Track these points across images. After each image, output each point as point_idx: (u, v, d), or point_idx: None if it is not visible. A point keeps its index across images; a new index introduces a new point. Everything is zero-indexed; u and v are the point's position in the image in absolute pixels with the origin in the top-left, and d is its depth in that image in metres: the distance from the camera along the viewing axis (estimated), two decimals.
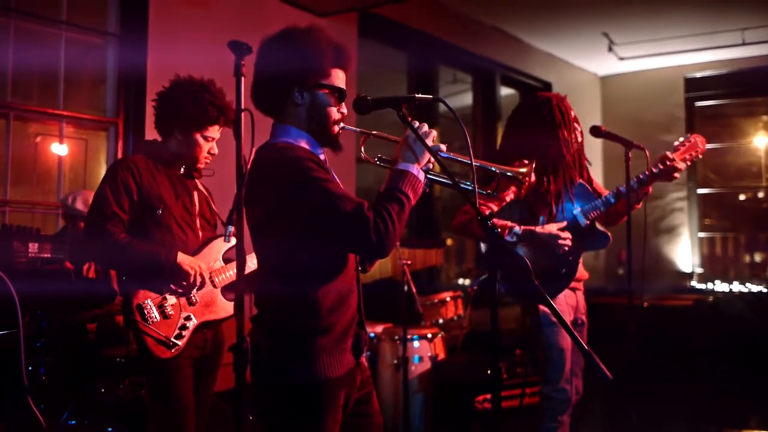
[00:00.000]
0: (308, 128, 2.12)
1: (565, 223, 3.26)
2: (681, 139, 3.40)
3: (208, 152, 2.97)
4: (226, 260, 2.99)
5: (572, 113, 3.39)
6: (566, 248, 3.21)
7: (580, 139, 3.43)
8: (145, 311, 2.76)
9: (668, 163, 3.23)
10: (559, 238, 3.20)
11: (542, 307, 3.24)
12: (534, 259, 3.23)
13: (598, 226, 3.37)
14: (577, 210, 3.31)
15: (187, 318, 2.85)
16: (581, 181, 3.40)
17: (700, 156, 3.37)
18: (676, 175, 3.26)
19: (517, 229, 3.20)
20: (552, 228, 3.22)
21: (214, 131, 2.96)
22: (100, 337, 3.80)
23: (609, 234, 3.34)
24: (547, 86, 8.48)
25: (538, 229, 3.23)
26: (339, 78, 2.14)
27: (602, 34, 7.88)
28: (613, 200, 3.28)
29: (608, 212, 3.37)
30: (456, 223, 3.34)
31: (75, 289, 3.28)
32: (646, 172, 3.24)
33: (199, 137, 2.92)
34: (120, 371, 3.47)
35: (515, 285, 3.18)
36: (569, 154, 3.36)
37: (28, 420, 2.83)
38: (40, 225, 4.41)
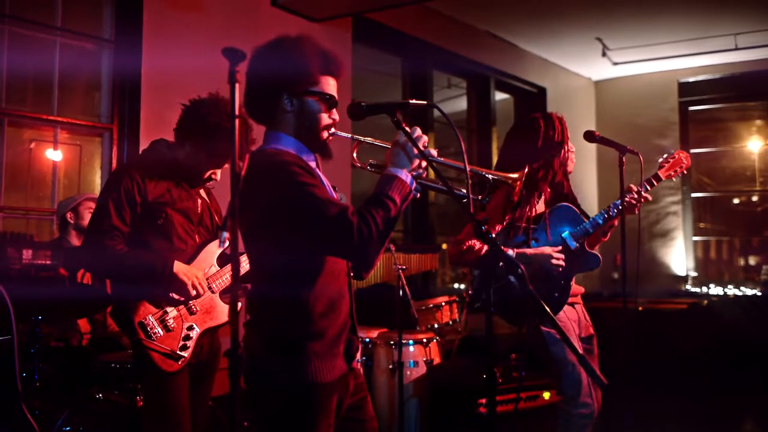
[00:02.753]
0: (298, 134, 2.14)
1: (560, 247, 3.26)
2: (665, 155, 3.45)
3: (210, 176, 2.94)
4: (221, 263, 2.98)
5: (567, 133, 3.40)
6: (560, 268, 3.21)
7: (573, 162, 3.45)
8: (148, 328, 2.73)
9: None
10: (552, 257, 3.20)
11: (544, 328, 3.24)
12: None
13: (587, 248, 3.39)
14: (566, 233, 3.31)
15: (190, 328, 2.83)
16: (568, 203, 3.40)
17: (685, 172, 3.45)
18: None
19: (510, 252, 3.21)
20: (545, 248, 3.24)
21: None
22: (94, 343, 3.79)
23: (599, 256, 3.34)
24: (542, 91, 8.51)
25: (531, 250, 3.24)
26: (329, 85, 2.14)
27: (596, 39, 7.91)
28: (601, 221, 3.29)
29: (590, 237, 3.38)
30: (451, 255, 3.36)
31: (69, 296, 3.26)
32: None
33: (207, 163, 2.88)
34: (115, 377, 3.46)
35: (509, 311, 3.18)
36: (562, 174, 3.37)
37: (23, 427, 2.82)
38: (35, 231, 4.41)
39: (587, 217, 3.37)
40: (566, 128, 3.38)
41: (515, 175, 2.24)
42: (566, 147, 3.37)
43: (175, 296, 2.79)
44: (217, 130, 2.77)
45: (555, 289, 3.25)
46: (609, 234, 3.43)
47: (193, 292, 2.79)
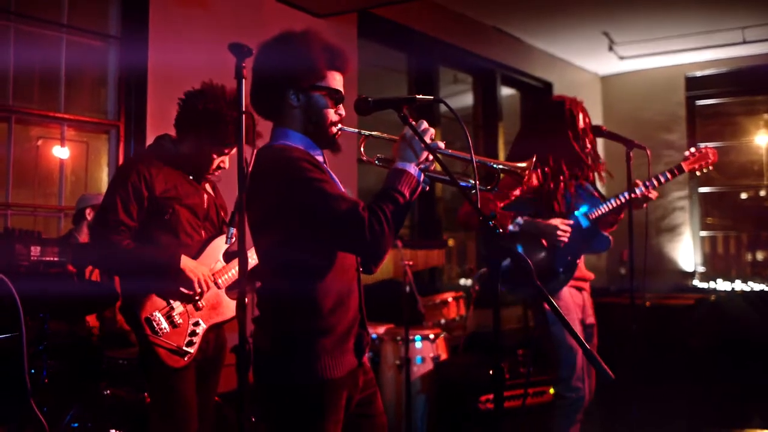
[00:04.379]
0: (305, 130, 2.13)
1: (572, 222, 3.27)
2: (692, 149, 3.44)
3: (218, 165, 2.94)
4: (227, 258, 2.98)
5: (586, 119, 3.39)
6: (564, 241, 3.21)
7: (589, 145, 3.43)
8: (154, 323, 2.74)
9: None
10: (558, 229, 3.20)
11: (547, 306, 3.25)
12: (532, 256, 3.25)
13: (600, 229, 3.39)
14: (579, 211, 3.32)
15: (196, 324, 2.84)
16: (587, 183, 3.41)
17: (711, 167, 3.42)
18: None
19: (519, 219, 3.21)
20: (554, 220, 3.24)
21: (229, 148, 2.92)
22: (103, 339, 3.81)
23: (610, 237, 3.35)
24: (548, 86, 8.48)
25: (539, 220, 3.24)
26: (335, 80, 2.14)
27: (602, 34, 7.88)
28: (614, 204, 3.31)
29: (603, 219, 3.39)
30: (461, 214, 3.36)
31: (77, 292, 3.27)
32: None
33: (211, 151, 2.88)
34: (123, 373, 3.48)
35: (516, 284, 3.19)
36: (576, 155, 3.36)
37: (32, 423, 2.83)
38: (42, 228, 4.42)
39: (604, 200, 3.38)
40: (584, 112, 3.37)
41: (523, 165, 2.22)
42: (584, 129, 3.36)
43: (184, 290, 2.80)
44: (216, 116, 2.77)
45: (561, 263, 3.26)
46: (615, 226, 3.44)
47: (199, 290, 2.80)
